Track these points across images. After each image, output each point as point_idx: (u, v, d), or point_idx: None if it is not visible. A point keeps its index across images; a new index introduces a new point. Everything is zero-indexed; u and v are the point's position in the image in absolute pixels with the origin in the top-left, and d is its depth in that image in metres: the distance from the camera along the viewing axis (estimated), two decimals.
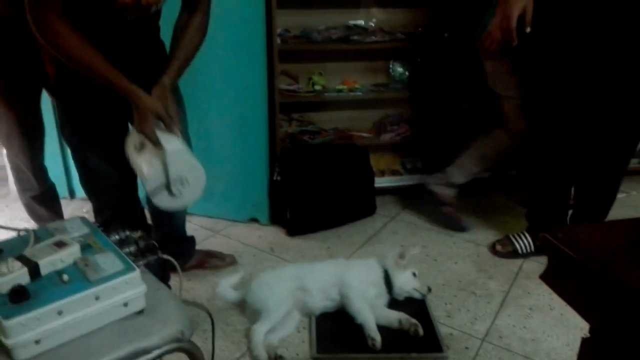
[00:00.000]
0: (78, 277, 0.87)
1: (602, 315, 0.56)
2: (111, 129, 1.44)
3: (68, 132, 1.48)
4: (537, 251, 2.12)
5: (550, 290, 1.90)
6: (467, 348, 1.64)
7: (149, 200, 1.65)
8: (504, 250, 2.16)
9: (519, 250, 2.14)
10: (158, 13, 1.45)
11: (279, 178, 2.32)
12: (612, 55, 1.72)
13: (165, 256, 1.04)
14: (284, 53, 2.32)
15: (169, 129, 1.32)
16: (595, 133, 1.91)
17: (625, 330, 0.53)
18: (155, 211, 1.77)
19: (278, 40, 2.26)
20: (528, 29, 1.65)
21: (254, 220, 2.42)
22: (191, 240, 1.99)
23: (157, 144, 1.28)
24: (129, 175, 1.50)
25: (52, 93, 1.83)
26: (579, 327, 1.72)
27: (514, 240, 2.16)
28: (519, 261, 2.12)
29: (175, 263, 1.16)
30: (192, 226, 2.34)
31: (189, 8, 1.45)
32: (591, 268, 0.57)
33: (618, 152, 1.94)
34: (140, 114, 1.29)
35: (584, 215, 2.06)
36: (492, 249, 2.19)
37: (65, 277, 0.86)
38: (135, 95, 1.28)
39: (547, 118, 1.92)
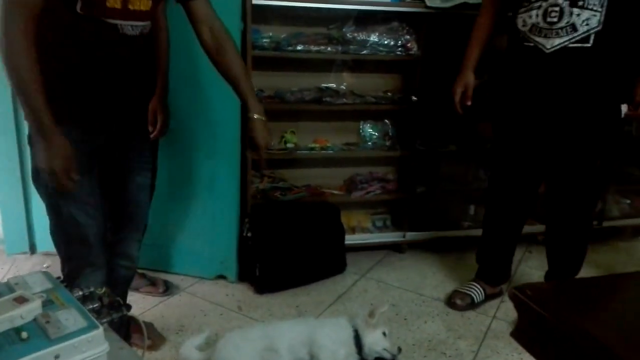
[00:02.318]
0: (38, 335, 0.82)
1: None
2: (85, 179, 1.43)
3: (42, 180, 1.44)
4: (487, 298, 2.27)
5: (519, 350, 1.91)
6: None
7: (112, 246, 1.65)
8: (464, 303, 2.22)
9: (475, 300, 2.23)
10: (147, 37, 1.48)
11: (249, 234, 2.30)
12: (560, 122, 1.90)
13: (131, 314, 1.01)
14: None
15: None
16: (553, 190, 2.07)
17: None
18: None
19: None
20: (469, 103, 2.03)
21: (222, 277, 2.37)
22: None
23: (65, 184, 1.30)
24: (99, 227, 1.49)
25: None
26: None
27: (467, 291, 2.25)
28: (487, 320, 2.13)
29: (141, 322, 1.12)
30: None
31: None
32: (559, 326, 0.58)
33: (578, 210, 2.04)
34: (51, 150, 1.29)
35: (557, 273, 2.14)
36: (450, 303, 2.24)
37: (24, 334, 0.81)
38: (52, 131, 1.27)
39: (503, 170, 2.13)
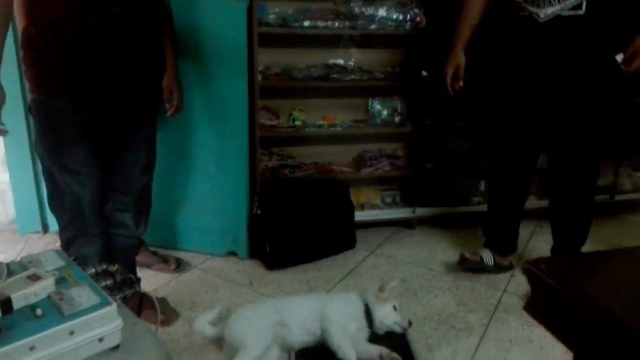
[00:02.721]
0: (52, 312, 0.84)
1: (585, 345, 0.57)
2: (77, 149, 1.50)
3: (40, 148, 1.53)
4: (496, 268, 2.27)
5: (529, 323, 1.92)
6: None
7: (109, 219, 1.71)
8: (473, 259, 2.25)
9: (485, 261, 2.25)
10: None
11: (258, 212, 2.31)
12: (557, 91, 1.91)
13: (143, 290, 1.02)
14: (265, 89, 2.35)
15: None
16: (554, 162, 2.07)
17: (606, 359, 0.54)
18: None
19: (259, 77, 2.29)
20: (461, 84, 2.00)
21: (233, 254, 2.39)
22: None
23: None
24: (93, 197, 1.56)
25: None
26: None
27: (477, 252, 2.27)
28: (497, 294, 2.13)
29: (154, 298, 1.14)
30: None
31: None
32: (573, 299, 0.57)
33: (579, 181, 2.04)
34: None
35: (562, 246, 2.15)
36: (460, 260, 2.26)
37: (39, 311, 0.83)
38: None
39: (503, 143, 2.13)
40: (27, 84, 1.50)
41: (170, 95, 1.81)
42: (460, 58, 2.00)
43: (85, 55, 1.43)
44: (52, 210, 1.63)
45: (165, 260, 2.26)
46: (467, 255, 2.26)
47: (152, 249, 2.30)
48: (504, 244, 2.29)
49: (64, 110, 1.44)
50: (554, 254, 2.18)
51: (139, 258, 2.21)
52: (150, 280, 2.17)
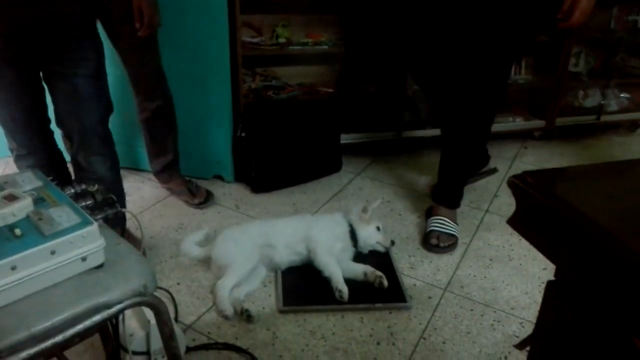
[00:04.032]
0: (32, 232, 0.82)
1: (569, 258, 0.57)
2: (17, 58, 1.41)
3: None
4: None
5: (510, 242, 1.97)
6: (429, 298, 1.69)
7: (74, 161, 1.62)
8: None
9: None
10: None
11: (243, 134, 2.27)
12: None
13: (125, 210, 1.00)
14: (246, 3, 2.22)
15: None
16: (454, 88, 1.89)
17: (590, 271, 0.54)
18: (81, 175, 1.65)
19: None
20: None
21: (218, 177, 2.38)
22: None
23: None
24: (36, 112, 1.53)
25: None
26: (537, 276, 1.79)
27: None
28: (480, 214, 2.17)
29: (137, 218, 1.13)
30: (153, 184, 2.29)
31: None
32: (558, 211, 0.57)
33: (479, 109, 1.90)
34: None
35: (447, 172, 2.06)
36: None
37: (18, 231, 0.81)
38: None
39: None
40: None
41: (139, 14, 1.65)
42: None
43: None
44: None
45: (192, 192, 2.18)
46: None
47: (187, 177, 2.24)
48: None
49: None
50: (437, 184, 2.09)
51: (171, 185, 2.20)
52: (136, 203, 2.17)
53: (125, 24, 1.71)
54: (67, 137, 1.62)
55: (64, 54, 1.44)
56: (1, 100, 1.48)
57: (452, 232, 1.97)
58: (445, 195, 2.06)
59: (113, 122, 1.64)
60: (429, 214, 2.09)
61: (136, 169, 2.39)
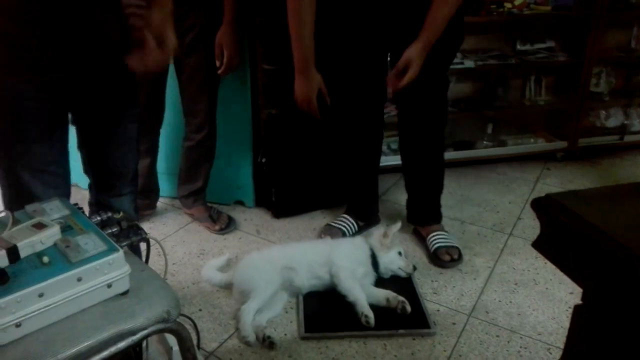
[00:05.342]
0: (59, 259, 0.84)
1: (596, 281, 0.56)
2: (41, 145, 1.21)
3: None
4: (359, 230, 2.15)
5: (535, 265, 1.93)
6: (454, 324, 1.65)
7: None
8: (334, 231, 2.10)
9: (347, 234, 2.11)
10: None
11: (263, 160, 2.30)
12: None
13: (151, 237, 1.02)
14: None
15: None
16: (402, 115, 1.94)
17: (618, 294, 0.53)
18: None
19: None
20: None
21: (239, 202, 2.39)
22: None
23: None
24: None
25: None
26: (564, 301, 1.75)
27: (338, 225, 2.14)
28: (504, 237, 2.14)
29: (161, 245, 1.14)
30: (176, 211, 2.32)
31: None
32: (584, 233, 0.56)
33: (427, 130, 1.92)
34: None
35: (418, 197, 2.09)
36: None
37: (46, 259, 0.83)
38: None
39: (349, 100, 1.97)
40: None
41: (220, 53, 1.69)
42: (315, 78, 1.76)
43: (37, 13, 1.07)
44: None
45: (213, 219, 2.19)
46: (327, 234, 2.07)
47: (208, 203, 2.26)
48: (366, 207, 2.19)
49: (20, 95, 1.12)
50: (409, 207, 2.11)
51: (193, 212, 2.23)
52: (159, 229, 2.19)
53: (191, 56, 1.74)
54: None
55: (128, 99, 1.34)
56: (38, 178, 1.23)
57: (456, 244, 2.00)
58: (428, 215, 2.08)
59: None
60: (419, 235, 2.09)
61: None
